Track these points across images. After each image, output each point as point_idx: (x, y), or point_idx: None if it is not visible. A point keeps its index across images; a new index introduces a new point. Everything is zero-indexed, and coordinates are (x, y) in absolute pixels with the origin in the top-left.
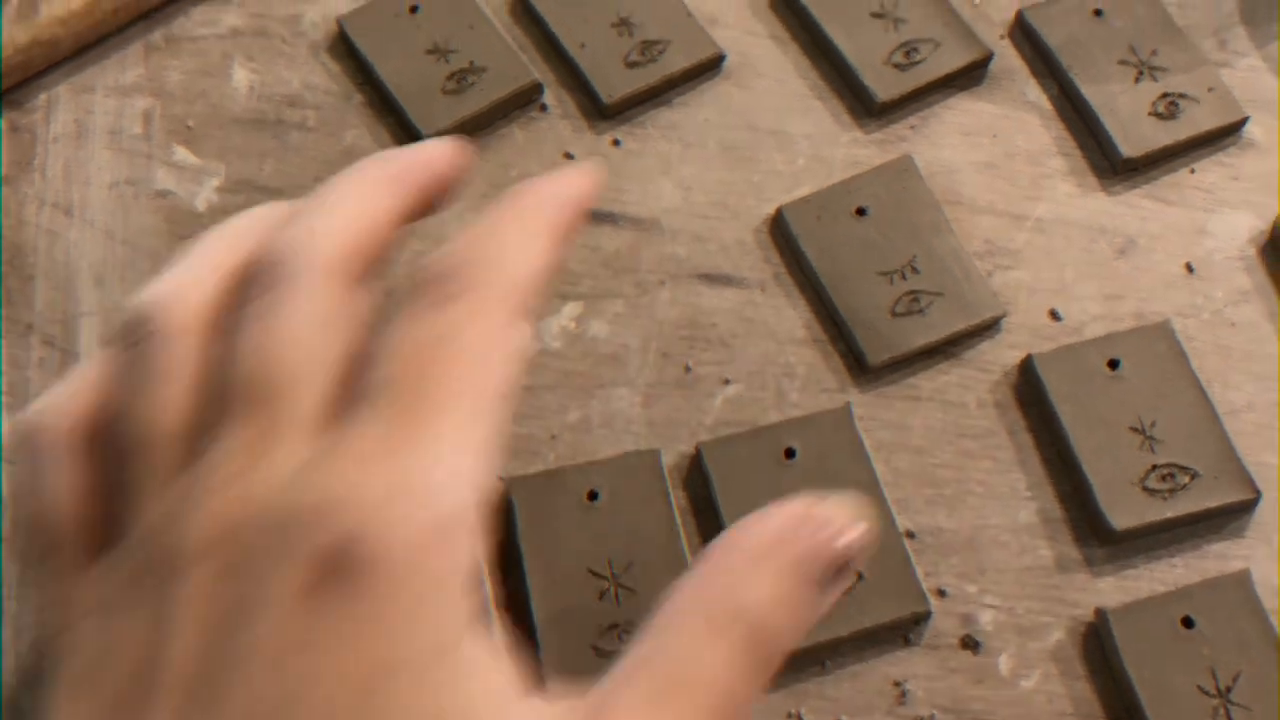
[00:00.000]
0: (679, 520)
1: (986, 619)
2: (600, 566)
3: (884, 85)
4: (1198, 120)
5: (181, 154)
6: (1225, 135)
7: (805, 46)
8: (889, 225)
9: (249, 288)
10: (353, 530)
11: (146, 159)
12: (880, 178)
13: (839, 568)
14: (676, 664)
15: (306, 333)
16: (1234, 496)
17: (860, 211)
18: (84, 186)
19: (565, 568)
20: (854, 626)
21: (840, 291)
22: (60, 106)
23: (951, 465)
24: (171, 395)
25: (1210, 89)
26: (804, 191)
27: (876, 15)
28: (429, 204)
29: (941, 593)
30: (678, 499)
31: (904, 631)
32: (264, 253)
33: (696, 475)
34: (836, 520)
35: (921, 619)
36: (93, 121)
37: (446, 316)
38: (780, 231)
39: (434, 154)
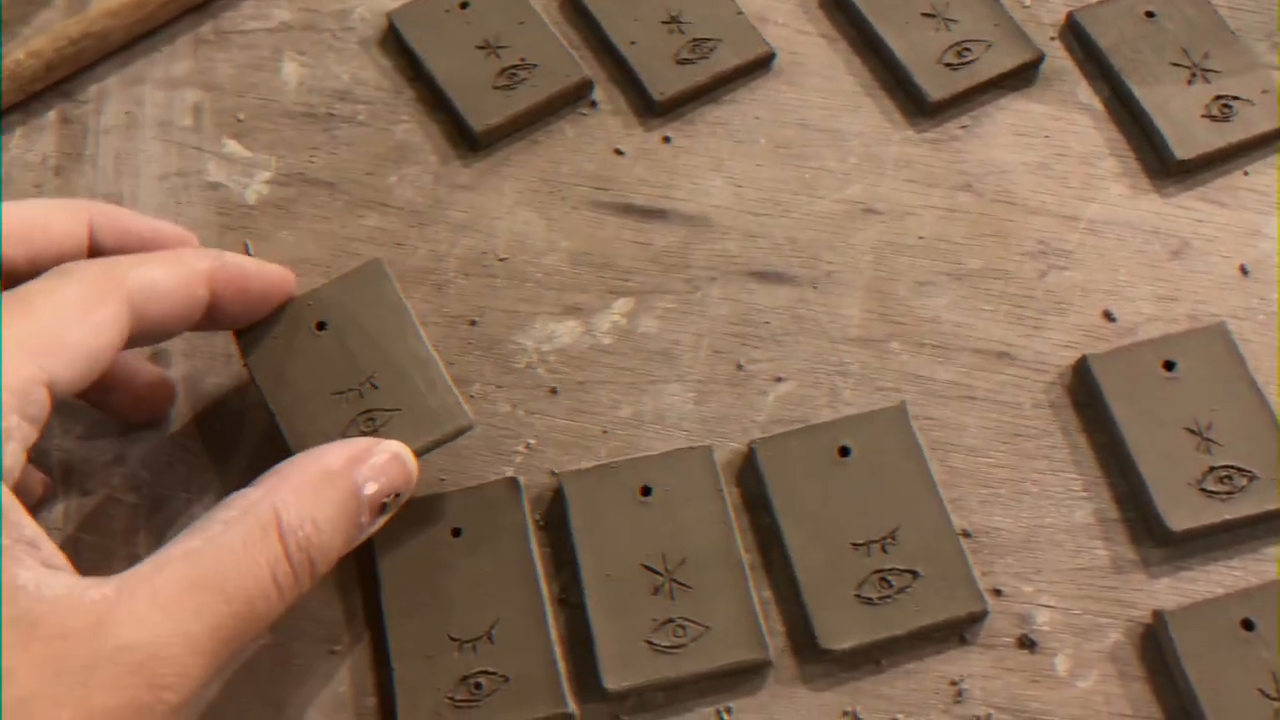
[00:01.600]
0: (732, 516)
1: (1043, 619)
2: (654, 561)
3: (936, 84)
4: (1251, 123)
5: (231, 147)
6: (1279, 138)
7: (856, 45)
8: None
9: None
10: None
11: (196, 151)
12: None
13: (380, 508)
14: (219, 563)
15: None
16: None
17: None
18: (134, 178)
19: (619, 563)
20: (910, 625)
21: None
22: (111, 98)
23: (1006, 465)
24: None
25: (1264, 91)
26: (856, 189)
27: (928, 15)
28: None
29: (998, 592)
30: (730, 496)
31: (960, 630)
32: None
33: (749, 473)
34: (396, 461)
35: (978, 618)
36: (143, 113)
37: (34, 281)
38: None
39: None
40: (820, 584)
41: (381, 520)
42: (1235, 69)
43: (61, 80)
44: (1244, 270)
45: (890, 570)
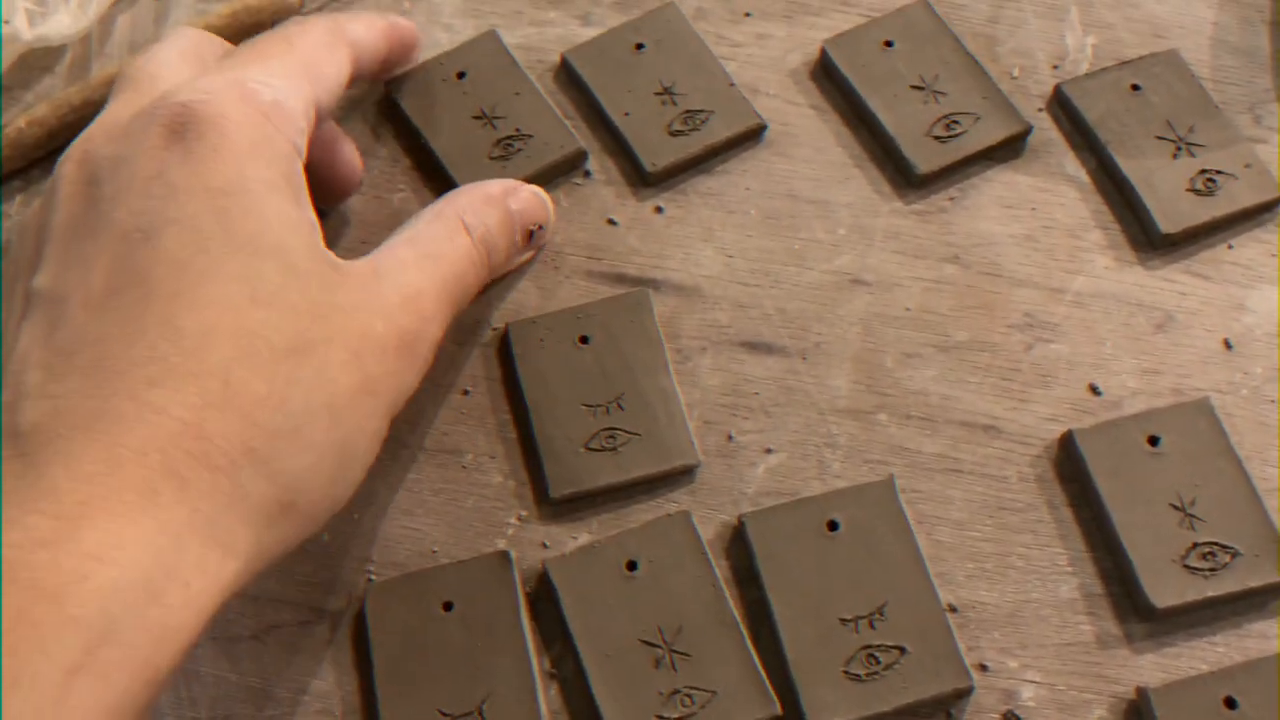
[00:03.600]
0: (720, 577)
1: (1028, 694)
2: (651, 635)
3: (924, 157)
4: (1235, 197)
5: None
6: (1262, 212)
7: (846, 117)
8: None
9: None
10: (191, 103)
11: None
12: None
13: (530, 232)
14: (433, 244)
15: (156, 47)
16: (1274, 577)
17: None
18: None
19: (617, 641)
20: (897, 701)
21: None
22: None
23: (992, 539)
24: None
25: (1247, 165)
26: (844, 260)
27: (917, 87)
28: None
29: (984, 667)
30: (720, 569)
31: (946, 706)
32: None
33: (739, 546)
34: (536, 198)
35: (964, 694)
36: None
37: (286, 27)
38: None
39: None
40: (808, 660)
41: (529, 252)
42: (1219, 143)
43: (62, 147)
44: (1228, 344)
45: (878, 646)
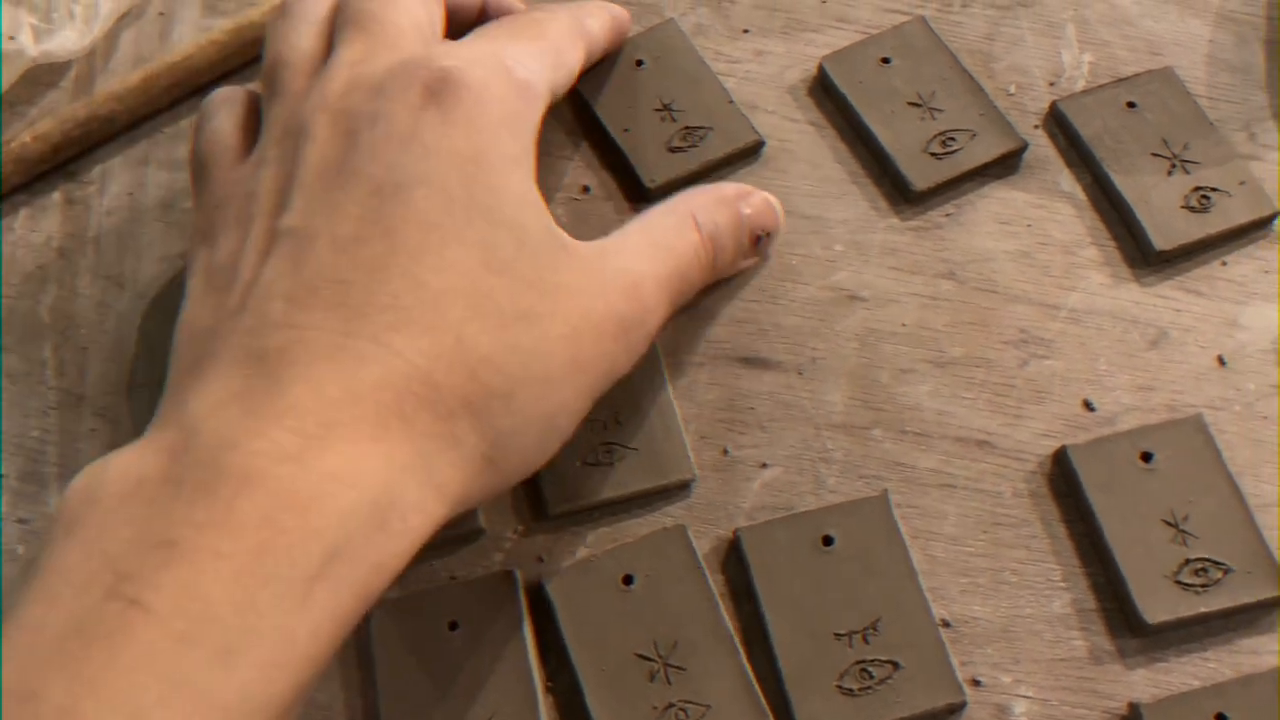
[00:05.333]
0: (715, 592)
1: (1021, 710)
2: (647, 649)
3: (920, 174)
4: (1229, 214)
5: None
6: (1257, 228)
7: (843, 133)
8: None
9: None
10: (453, 67)
11: None
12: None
13: (758, 238)
14: (663, 235)
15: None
16: (1267, 593)
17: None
18: (136, 259)
19: (613, 655)
20: (890, 716)
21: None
22: (114, 180)
23: (986, 554)
24: (305, 29)
25: (1241, 183)
26: (841, 276)
27: (914, 104)
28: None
29: (976, 682)
30: (716, 583)
31: None
32: None
33: (734, 561)
34: (767, 204)
35: (957, 709)
36: (145, 195)
37: (534, 14)
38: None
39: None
40: (802, 674)
41: (755, 258)
42: (1214, 160)
43: (66, 162)
44: (1221, 361)
45: (871, 661)
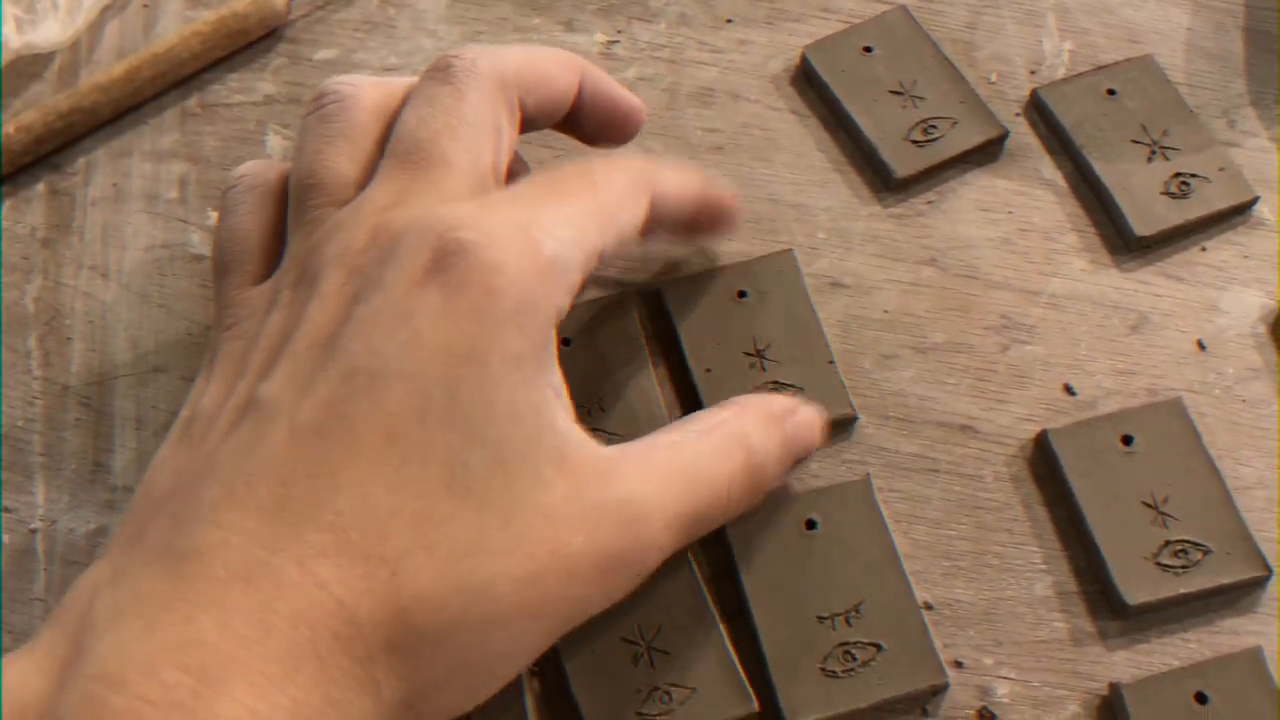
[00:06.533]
0: (699, 575)
1: (1003, 691)
2: (630, 633)
3: (902, 161)
4: (1209, 199)
5: (216, 219)
6: (1236, 214)
7: (826, 122)
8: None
9: (423, 82)
10: (470, 240)
11: (182, 223)
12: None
13: (804, 456)
14: (696, 461)
15: (465, 123)
16: (1246, 574)
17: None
18: (121, 250)
19: (596, 639)
20: (872, 698)
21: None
22: (99, 170)
23: (968, 537)
24: (346, 149)
25: (1221, 169)
26: (824, 263)
27: (895, 92)
28: (606, 118)
29: (959, 664)
30: (699, 568)
31: (922, 703)
32: (442, 60)
33: (718, 545)
34: (816, 422)
35: (939, 690)
36: (130, 186)
37: (590, 162)
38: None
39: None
40: (786, 657)
41: (787, 478)
42: (1193, 146)
43: (50, 153)
44: (1201, 345)
45: (854, 644)
